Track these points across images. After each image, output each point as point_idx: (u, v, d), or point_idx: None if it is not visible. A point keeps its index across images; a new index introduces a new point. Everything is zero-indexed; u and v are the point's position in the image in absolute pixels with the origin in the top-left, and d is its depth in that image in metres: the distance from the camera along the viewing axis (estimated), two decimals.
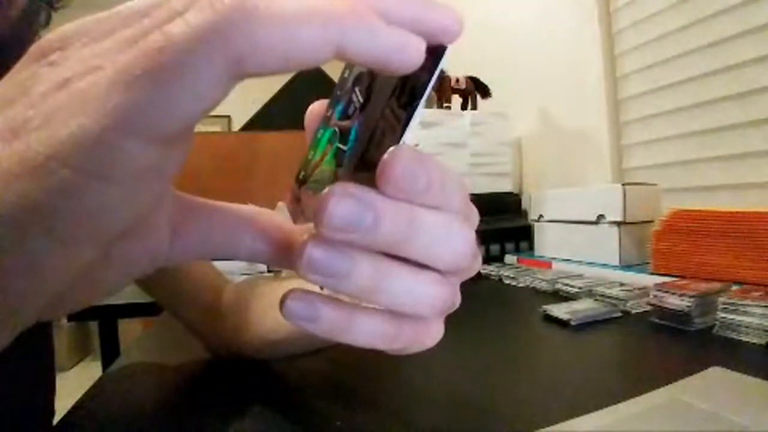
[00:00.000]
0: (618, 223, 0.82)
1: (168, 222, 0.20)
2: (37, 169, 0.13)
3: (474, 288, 0.75)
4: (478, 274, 0.23)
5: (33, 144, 0.13)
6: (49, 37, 0.15)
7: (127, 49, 0.13)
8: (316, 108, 0.20)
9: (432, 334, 0.19)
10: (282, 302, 0.17)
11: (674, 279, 0.63)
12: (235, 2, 0.13)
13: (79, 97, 0.13)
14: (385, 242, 0.16)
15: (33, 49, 0.15)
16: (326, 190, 0.15)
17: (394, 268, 0.17)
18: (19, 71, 0.15)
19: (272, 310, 0.41)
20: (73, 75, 0.14)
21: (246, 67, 0.13)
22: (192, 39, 0.12)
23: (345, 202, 0.15)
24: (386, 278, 0.16)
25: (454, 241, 0.17)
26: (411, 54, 0.15)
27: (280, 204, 1.11)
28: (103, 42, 0.14)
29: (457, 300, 0.19)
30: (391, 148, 0.15)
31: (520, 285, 0.81)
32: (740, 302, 0.47)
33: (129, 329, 1.31)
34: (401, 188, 0.15)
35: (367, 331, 0.17)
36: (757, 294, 0.48)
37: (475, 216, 0.19)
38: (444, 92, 1.23)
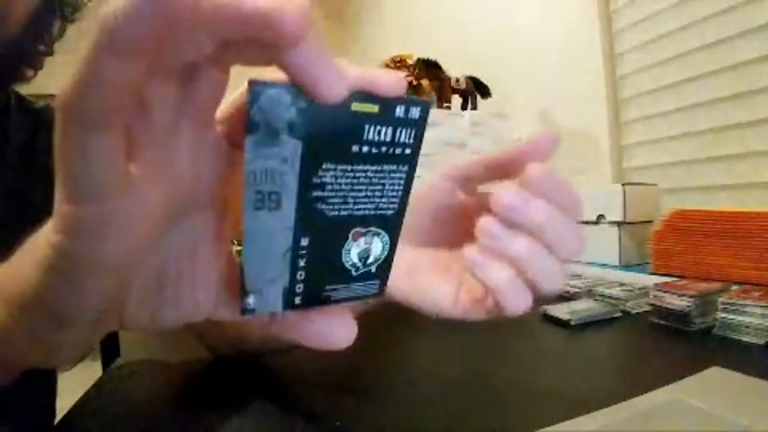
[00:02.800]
0: (618, 223, 0.82)
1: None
2: None
3: None
4: None
5: None
6: None
7: None
8: None
9: None
10: None
11: (674, 279, 0.63)
12: None
13: None
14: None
15: None
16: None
17: None
18: None
19: None
20: None
21: None
22: None
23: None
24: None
25: None
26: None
27: None
28: None
29: None
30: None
31: None
32: (740, 302, 0.47)
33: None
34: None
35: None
36: (757, 294, 0.48)
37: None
38: (444, 92, 1.23)
